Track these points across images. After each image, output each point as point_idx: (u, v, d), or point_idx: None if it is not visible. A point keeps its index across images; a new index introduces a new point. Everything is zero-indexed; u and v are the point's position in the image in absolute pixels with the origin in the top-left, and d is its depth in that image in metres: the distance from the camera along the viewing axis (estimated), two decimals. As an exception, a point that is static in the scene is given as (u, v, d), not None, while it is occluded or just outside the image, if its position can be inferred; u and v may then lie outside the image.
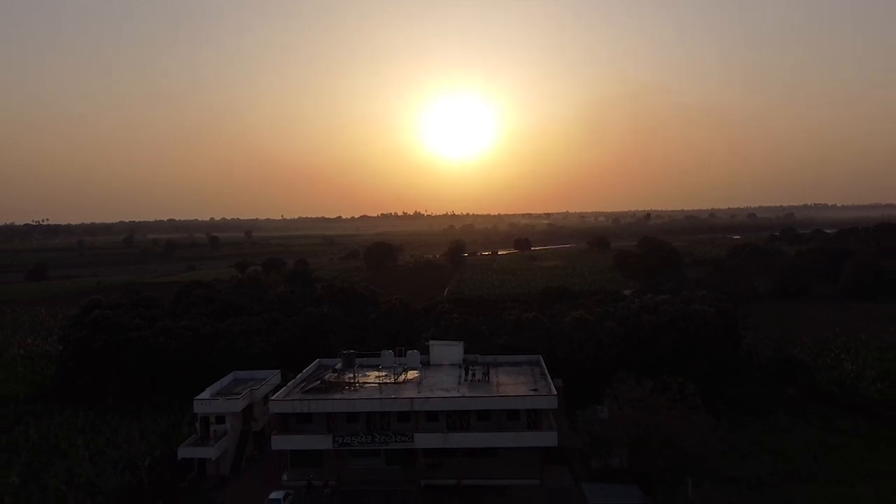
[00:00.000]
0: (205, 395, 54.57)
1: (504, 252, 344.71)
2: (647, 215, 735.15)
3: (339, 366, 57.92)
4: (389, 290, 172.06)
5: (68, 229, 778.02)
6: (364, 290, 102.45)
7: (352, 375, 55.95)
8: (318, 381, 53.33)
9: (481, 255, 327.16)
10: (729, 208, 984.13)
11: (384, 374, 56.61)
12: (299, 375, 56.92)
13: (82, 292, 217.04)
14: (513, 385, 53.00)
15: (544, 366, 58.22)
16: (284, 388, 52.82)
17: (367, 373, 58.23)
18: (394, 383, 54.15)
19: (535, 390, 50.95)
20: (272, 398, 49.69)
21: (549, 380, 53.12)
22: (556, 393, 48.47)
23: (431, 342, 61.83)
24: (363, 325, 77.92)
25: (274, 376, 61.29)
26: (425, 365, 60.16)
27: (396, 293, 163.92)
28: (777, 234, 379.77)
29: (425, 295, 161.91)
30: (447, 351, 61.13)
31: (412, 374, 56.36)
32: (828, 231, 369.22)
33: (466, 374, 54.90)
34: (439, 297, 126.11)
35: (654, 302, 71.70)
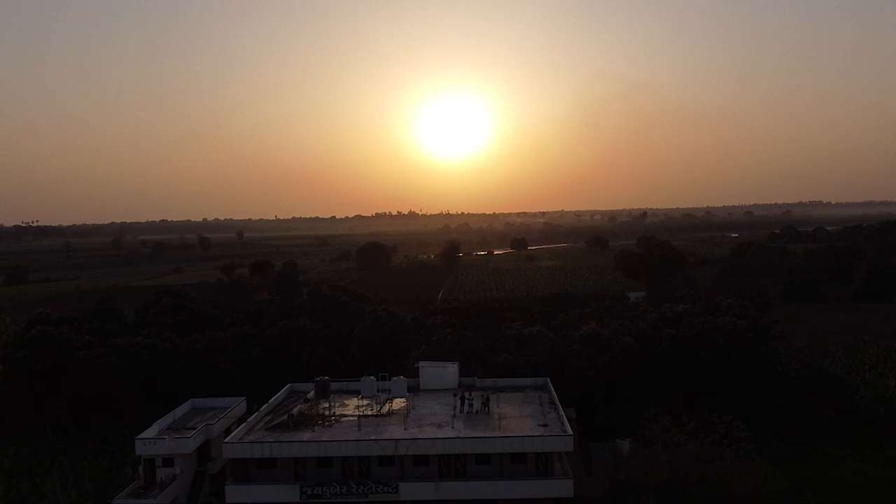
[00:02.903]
0: (151, 431, 45.83)
1: (500, 252, 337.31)
2: (644, 213, 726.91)
3: (311, 394, 49.29)
4: (381, 292, 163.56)
5: (59, 231, 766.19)
6: (350, 299, 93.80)
7: (327, 405, 47.45)
8: (286, 416, 44.64)
9: (476, 255, 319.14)
10: (724, 206, 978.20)
11: (365, 402, 48.03)
12: (265, 406, 48.24)
13: (61, 297, 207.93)
14: (517, 418, 44.50)
15: (553, 391, 49.77)
16: (244, 424, 44.13)
17: (346, 401, 49.68)
18: (376, 416, 45.60)
19: (544, 426, 42.44)
20: (226, 440, 40.92)
21: (561, 411, 44.69)
22: (571, 432, 39.92)
23: (421, 364, 53.15)
24: (346, 339, 69.30)
25: (238, 405, 52.49)
26: (414, 390, 51.58)
27: (389, 295, 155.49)
28: (777, 231, 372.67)
29: (419, 298, 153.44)
30: (440, 374, 52.55)
31: (398, 404, 47.79)
32: (829, 228, 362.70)
33: (462, 403, 46.28)
34: (432, 304, 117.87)
35: (675, 313, 63.34)
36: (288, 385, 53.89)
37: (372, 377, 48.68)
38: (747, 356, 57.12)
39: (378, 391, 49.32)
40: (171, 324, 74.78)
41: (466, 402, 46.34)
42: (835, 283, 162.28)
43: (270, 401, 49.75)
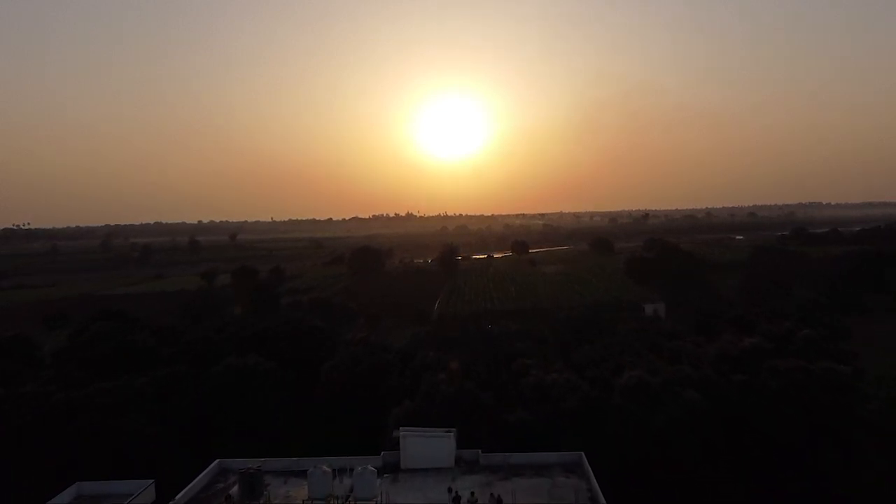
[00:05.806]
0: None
1: (500, 254, 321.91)
2: (646, 215, 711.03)
3: (235, 491, 33.77)
4: (372, 301, 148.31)
5: (51, 233, 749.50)
6: (329, 317, 78.30)
7: (259, 505, 32.12)
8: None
9: (475, 258, 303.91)
10: (724, 207, 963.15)
11: (319, 502, 32.62)
12: (178, 497, 32.81)
13: (26, 306, 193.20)
14: (546, 535, 29.20)
15: (591, 475, 34.53)
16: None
17: (291, 491, 34.35)
18: (330, 527, 30.36)
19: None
20: None
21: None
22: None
23: (403, 433, 37.57)
24: (311, 381, 53.87)
25: (144, 490, 37.02)
26: (393, 470, 36.28)
27: (379, 306, 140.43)
28: (787, 233, 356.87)
29: (413, 307, 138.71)
30: (429, 446, 37.12)
31: (365, 504, 32.38)
32: (841, 230, 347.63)
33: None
34: (427, 320, 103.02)
35: (741, 350, 48.02)
36: (215, 461, 38.40)
37: (325, 467, 32.98)
38: (846, 412, 41.89)
39: (336, 476, 33.79)
40: (92, 359, 59.36)
41: (468, 502, 30.95)
42: (870, 291, 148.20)
43: (187, 488, 34.30)
